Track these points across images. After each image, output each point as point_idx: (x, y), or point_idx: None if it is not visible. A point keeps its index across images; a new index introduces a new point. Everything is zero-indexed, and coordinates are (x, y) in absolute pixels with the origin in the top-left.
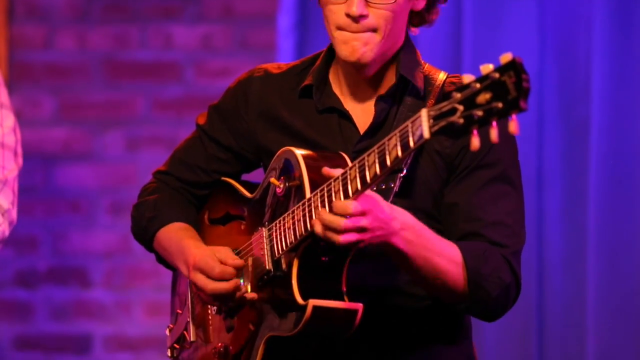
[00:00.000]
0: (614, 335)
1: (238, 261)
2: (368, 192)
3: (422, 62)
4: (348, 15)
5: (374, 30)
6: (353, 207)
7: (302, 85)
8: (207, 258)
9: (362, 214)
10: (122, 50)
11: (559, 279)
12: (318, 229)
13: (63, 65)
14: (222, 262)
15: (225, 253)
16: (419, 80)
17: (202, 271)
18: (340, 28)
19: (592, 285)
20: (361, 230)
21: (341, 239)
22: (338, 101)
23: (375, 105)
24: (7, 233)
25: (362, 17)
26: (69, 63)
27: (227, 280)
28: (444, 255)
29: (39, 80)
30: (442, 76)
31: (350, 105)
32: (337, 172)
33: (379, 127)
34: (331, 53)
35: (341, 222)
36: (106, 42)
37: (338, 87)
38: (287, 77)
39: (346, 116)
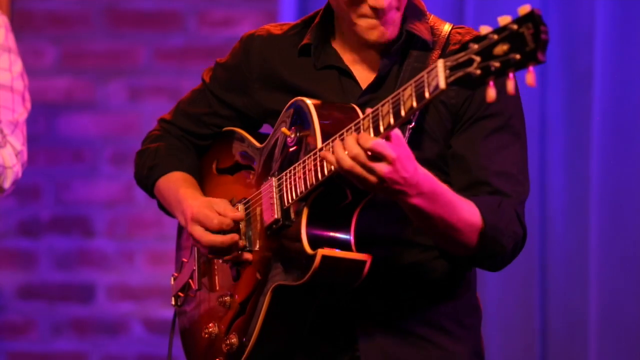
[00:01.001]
0: (617, 283)
1: (237, 213)
2: (402, 142)
3: (427, 13)
4: (374, 9)
5: (397, 8)
6: (373, 142)
7: (301, 44)
8: (206, 210)
9: (384, 159)
10: None
11: (561, 227)
12: (334, 151)
13: (65, 14)
14: (220, 214)
15: (223, 205)
16: (424, 32)
17: (200, 223)
18: (364, 16)
19: (595, 233)
20: (372, 172)
21: (348, 164)
22: (339, 58)
23: (380, 60)
24: (20, 174)
25: (390, 6)
26: (71, 12)
27: (224, 233)
28: (462, 215)
29: (40, 29)
30: (447, 27)
31: (351, 61)
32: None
33: (382, 82)
34: (330, 12)
35: (355, 149)
36: None
37: (339, 45)
38: (288, 37)
39: (347, 73)
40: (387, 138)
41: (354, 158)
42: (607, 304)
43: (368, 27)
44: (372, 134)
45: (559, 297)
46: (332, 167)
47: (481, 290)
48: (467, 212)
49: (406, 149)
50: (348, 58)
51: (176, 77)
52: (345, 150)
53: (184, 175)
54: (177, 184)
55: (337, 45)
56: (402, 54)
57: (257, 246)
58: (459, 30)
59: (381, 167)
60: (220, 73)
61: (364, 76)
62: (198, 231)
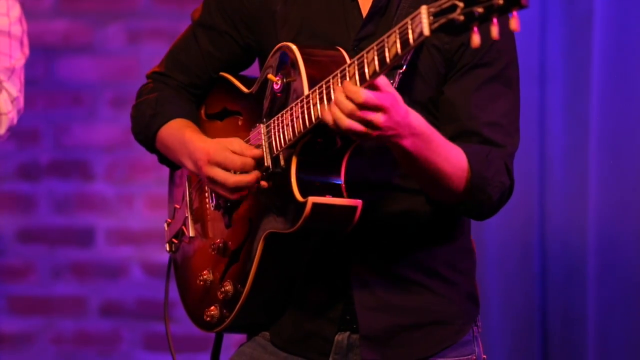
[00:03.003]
0: (615, 227)
1: (256, 151)
2: (390, 88)
3: None
4: None
5: None
6: (365, 96)
7: None
8: (224, 151)
9: (379, 109)
10: None
11: (560, 171)
12: (329, 110)
13: None
14: (240, 154)
15: (240, 144)
16: None
17: (221, 165)
18: None
19: (594, 177)
20: (370, 125)
21: (347, 123)
22: None
23: None
24: (15, 121)
25: None
26: None
27: (248, 172)
28: (450, 160)
29: None
30: None
31: None
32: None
33: (382, 13)
34: None
35: (349, 106)
36: None
37: None
38: None
39: None
40: (374, 86)
41: (349, 115)
42: (605, 248)
43: None
44: (358, 82)
45: (558, 241)
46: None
47: (480, 234)
48: (455, 157)
49: (395, 93)
50: None
51: (175, 20)
52: (338, 107)
53: (186, 121)
54: (182, 130)
55: None
56: None
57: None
58: None
59: (377, 118)
60: (213, 3)
61: (366, 4)
62: (220, 174)
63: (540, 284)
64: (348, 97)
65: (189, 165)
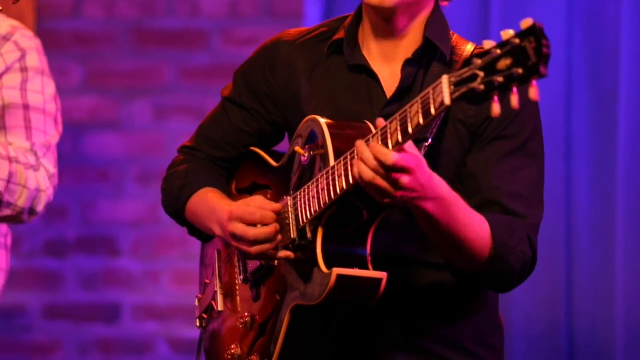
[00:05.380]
0: None
1: (276, 205)
2: (415, 150)
3: (451, 32)
4: None
5: None
6: (394, 158)
7: (334, 39)
8: (245, 206)
9: (404, 170)
10: (149, 18)
11: (587, 244)
12: (356, 168)
13: (90, 33)
14: (260, 208)
15: (260, 200)
16: (446, 48)
17: (241, 219)
18: None
19: (620, 250)
20: (395, 183)
21: (370, 177)
22: (367, 61)
23: (402, 69)
24: (52, 197)
25: None
26: (97, 31)
27: (267, 224)
28: (472, 226)
29: (66, 49)
30: (469, 47)
31: (377, 67)
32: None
33: (406, 92)
34: (360, 14)
35: (374, 163)
36: (133, 9)
37: (366, 49)
38: (315, 41)
39: (374, 77)
40: (400, 149)
41: (374, 170)
42: (634, 322)
43: None
44: None
45: (585, 314)
46: (345, 185)
47: (507, 308)
48: (477, 224)
49: (419, 156)
50: (374, 61)
51: (201, 95)
52: (364, 164)
53: (214, 189)
54: (209, 196)
55: (365, 49)
56: (425, 65)
57: (275, 265)
58: (480, 49)
59: (402, 178)
60: (241, 83)
61: (389, 84)
62: (240, 227)
63: (568, 359)
64: (376, 157)
65: (216, 229)
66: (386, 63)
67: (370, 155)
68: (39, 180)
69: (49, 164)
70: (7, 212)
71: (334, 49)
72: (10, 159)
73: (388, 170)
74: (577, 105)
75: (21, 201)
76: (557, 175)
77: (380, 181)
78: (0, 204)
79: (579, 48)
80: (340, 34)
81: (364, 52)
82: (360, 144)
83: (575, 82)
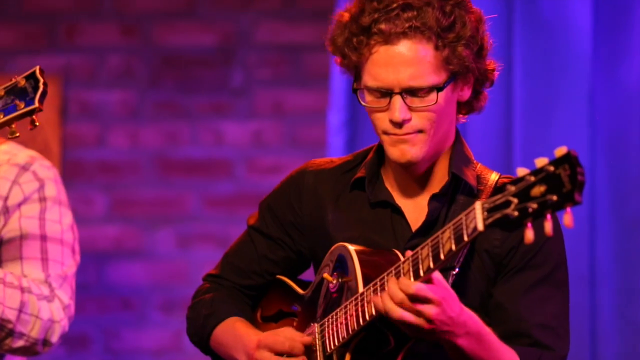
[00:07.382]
0: None
1: (306, 337)
2: (444, 283)
3: (475, 161)
4: (392, 121)
5: (420, 131)
6: (416, 288)
7: (355, 178)
8: (274, 336)
9: (430, 301)
10: (173, 147)
11: None
12: (381, 300)
13: (115, 163)
14: (290, 339)
15: (290, 331)
16: (471, 179)
17: (270, 348)
18: (386, 132)
19: None
20: (422, 316)
21: (398, 312)
22: (390, 196)
23: (429, 203)
24: (67, 328)
25: (406, 120)
26: (121, 161)
27: (296, 355)
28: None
29: (91, 178)
30: (494, 176)
31: (401, 201)
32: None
33: (432, 226)
34: (380, 152)
35: (400, 295)
36: (157, 139)
37: (389, 182)
38: (340, 172)
39: (399, 212)
40: (429, 280)
41: (400, 304)
42: None
43: (390, 144)
44: (412, 278)
45: None
46: (375, 312)
47: None
48: (508, 358)
49: (449, 289)
50: (398, 195)
51: (225, 224)
52: (390, 298)
53: (240, 319)
54: (236, 326)
55: (386, 178)
56: (450, 197)
57: None
58: (505, 179)
59: (429, 310)
60: (267, 214)
61: (414, 217)
62: (267, 356)
63: None
64: (400, 289)
65: (242, 357)
66: (411, 197)
67: (397, 290)
68: (53, 311)
69: (64, 295)
70: (20, 343)
71: (356, 186)
72: (22, 289)
73: (413, 301)
74: (601, 234)
75: (34, 332)
76: (581, 305)
77: (409, 316)
78: (13, 335)
79: (603, 176)
80: (361, 173)
81: (387, 186)
82: (390, 279)
83: (599, 211)
